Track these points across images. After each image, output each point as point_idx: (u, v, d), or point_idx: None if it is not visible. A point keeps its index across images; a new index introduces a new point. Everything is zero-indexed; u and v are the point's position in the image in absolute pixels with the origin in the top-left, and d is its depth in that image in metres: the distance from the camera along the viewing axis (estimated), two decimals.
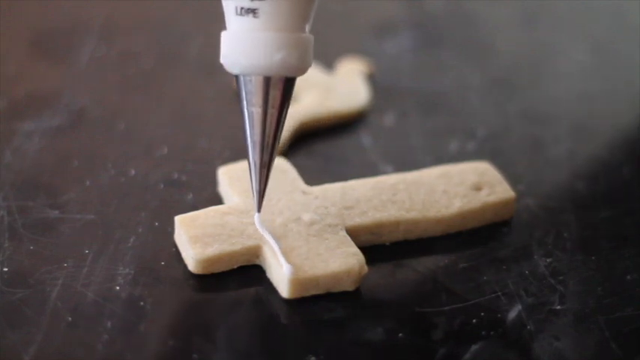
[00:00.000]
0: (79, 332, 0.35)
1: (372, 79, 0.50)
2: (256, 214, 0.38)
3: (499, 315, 0.37)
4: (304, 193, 0.41)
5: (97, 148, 0.44)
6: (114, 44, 0.52)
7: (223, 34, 0.36)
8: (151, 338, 0.35)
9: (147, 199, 0.42)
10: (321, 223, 0.39)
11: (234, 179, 0.41)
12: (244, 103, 0.36)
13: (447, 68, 0.53)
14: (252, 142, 0.37)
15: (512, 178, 0.43)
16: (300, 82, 0.48)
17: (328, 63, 0.51)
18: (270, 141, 0.37)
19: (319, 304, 0.37)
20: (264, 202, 0.40)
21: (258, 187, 0.37)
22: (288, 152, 0.45)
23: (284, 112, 0.36)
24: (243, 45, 0.36)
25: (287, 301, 0.37)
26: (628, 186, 0.45)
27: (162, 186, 0.42)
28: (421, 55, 0.54)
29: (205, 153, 0.44)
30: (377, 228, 0.40)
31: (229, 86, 0.48)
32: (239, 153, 0.43)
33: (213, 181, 0.42)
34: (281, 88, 0.36)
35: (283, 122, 0.37)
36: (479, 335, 0.36)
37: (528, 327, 0.37)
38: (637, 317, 0.37)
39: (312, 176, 0.42)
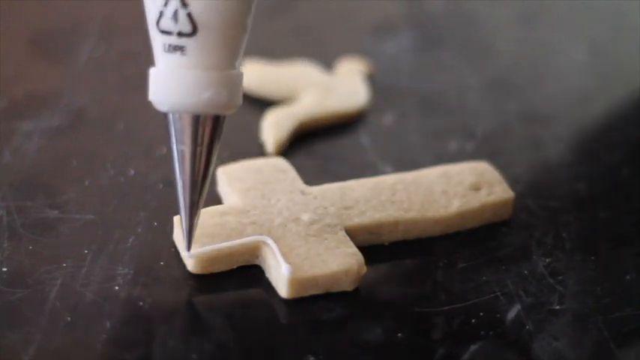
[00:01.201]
0: (78, 332, 0.35)
1: (372, 79, 0.50)
2: (187, 252, 0.37)
3: (498, 315, 0.37)
4: (303, 193, 0.41)
5: (96, 148, 0.44)
6: (113, 44, 0.52)
7: (151, 71, 0.36)
8: (149, 338, 0.35)
9: (146, 199, 0.42)
10: (320, 223, 0.39)
11: (233, 179, 0.41)
12: (173, 140, 0.36)
13: (446, 68, 0.53)
14: (182, 180, 0.36)
15: (512, 178, 0.43)
16: (300, 82, 0.49)
17: (328, 63, 0.51)
18: (200, 179, 0.36)
19: (318, 304, 0.37)
20: (263, 202, 0.40)
21: (187, 226, 0.37)
22: (288, 152, 0.45)
23: (214, 150, 0.36)
24: (171, 83, 0.35)
25: (286, 301, 0.37)
26: (627, 186, 0.45)
27: (161, 186, 0.42)
28: (421, 55, 0.54)
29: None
30: (376, 228, 0.40)
31: None
32: (238, 153, 0.43)
33: (212, 181, 0.42)
34: (210, 126, 0.35)
35: (213, 160, 0.36)
36: (478, 335, 0.36)
37: (527, 327, 0.37)
38: (636, 317, 0.37)
39: (311, 176, 0.42)
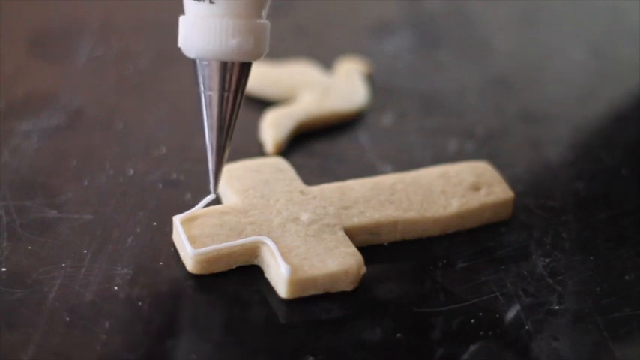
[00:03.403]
0: (77, 332, 0.35)
1: (371, 79, 0.50)
2: (211, 195, 0.39)
3: (497, 315, 0.37)
4: (302, 193, 0.40)
5: (95, 148, 0.44)
6: (112, 44, 0.52)
7: (181, 19, 0.37)
8: (149, 338, 0.35)
9: (145, 199, 0.42)
10: (319, 223, 0.39)
11: (232, 179, 0.41)
12: (201, 87, 0.37)
13: (445, 68, 0.53)
14: (209, 125, 0.37)
15: (511, 178, 0.43)
16: (299, 82, 0.49)
17: (327, 63, 0.51)
18: (226, 124, 0.37)
19: (317, 304, 0.37)
20: (262, 202, 0.40)
21: (214, 169, 0.38)
22: (287, 152, 0.45)
23: (239, 96, 0.37)
24: (200, 30, 0.36)
25: (285, 301, 0.37)
26: (626, 186, 0.45)
27: (160, 186, 0.42)
28: (420, 55, 0.54)
29: (204, 153, 0.44)
30: (375, 228, 0.40)
31: None
32: (237, 153, 0.43)
33: None
34: (237, 73, 0.37)
35: (239, 106, 0.38)
36: (477, 335, 0.36)
37: (526, 327, 0.37)
38: (635, 317, 0.37)
39: (310, 176, 0.42)
